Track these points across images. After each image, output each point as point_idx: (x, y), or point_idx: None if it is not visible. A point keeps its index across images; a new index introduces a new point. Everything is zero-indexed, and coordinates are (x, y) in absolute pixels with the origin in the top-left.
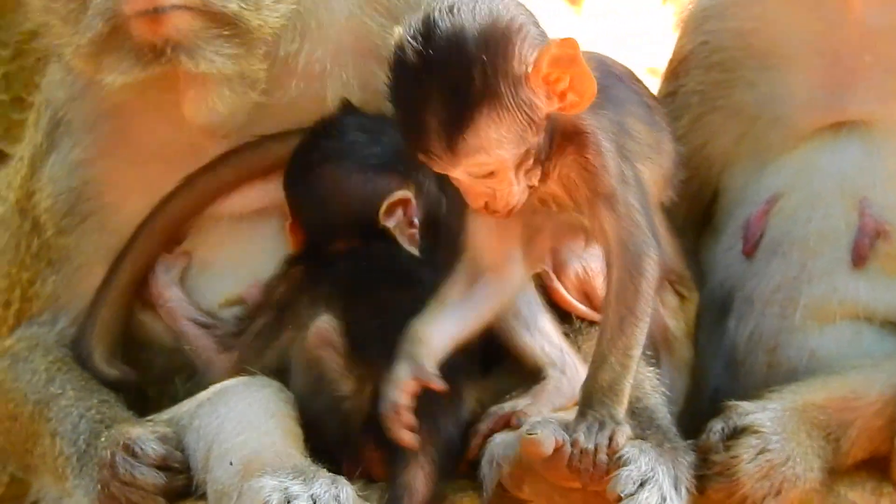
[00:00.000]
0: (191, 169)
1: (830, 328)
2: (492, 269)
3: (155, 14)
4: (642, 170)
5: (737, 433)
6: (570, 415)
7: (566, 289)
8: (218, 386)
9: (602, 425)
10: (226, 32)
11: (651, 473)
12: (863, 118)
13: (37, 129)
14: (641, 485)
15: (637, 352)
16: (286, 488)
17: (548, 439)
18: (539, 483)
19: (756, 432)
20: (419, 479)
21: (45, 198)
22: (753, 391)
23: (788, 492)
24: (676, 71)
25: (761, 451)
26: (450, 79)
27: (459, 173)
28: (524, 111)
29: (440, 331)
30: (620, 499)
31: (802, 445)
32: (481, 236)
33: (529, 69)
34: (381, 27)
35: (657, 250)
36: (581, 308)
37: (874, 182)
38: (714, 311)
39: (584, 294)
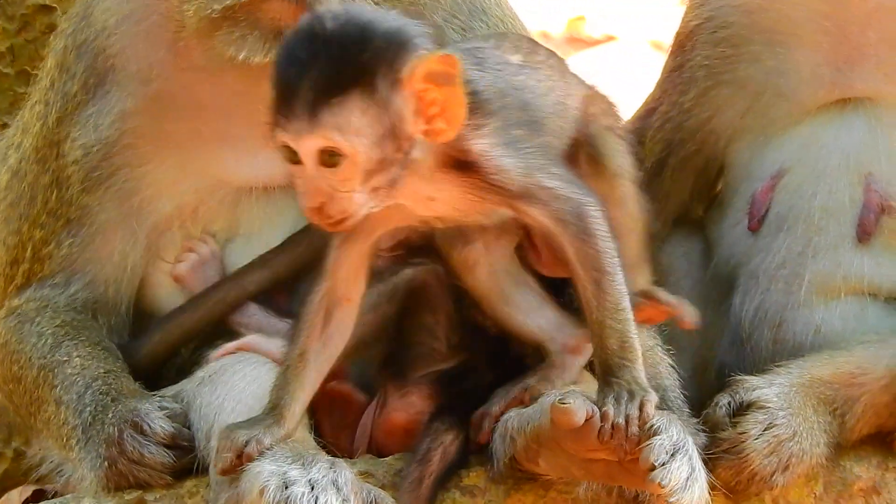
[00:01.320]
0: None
1: (836, 304)
2: (347, 299)
3: (301, 1)
4: (552, 128)
5: (743, 408)
6: (586, 389)
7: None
8: (217, 364)
9: (631, 395)
10: None
11: (681, 443)
12: (868, 94)
13: (67, 76)
14: (672, 455)
15: (626, 301)
16: (284, 473)
17: (580, 409)
18: (557, 456)
19: (762, 408)
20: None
21: (76, 148)
22: (759, 367)
23: (796, 467)
24: (683, 45)
25: (768, 427)
26: (337, 52)
27: (307, 150)
28: (391, 117)
29: (305, 395)
30: (653, 468)
31: (809, 421)
32: (341, 264)
33: (404, 74)
34: None
35: (591, 197)
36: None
37: (879, 158)
38: (720, 287)
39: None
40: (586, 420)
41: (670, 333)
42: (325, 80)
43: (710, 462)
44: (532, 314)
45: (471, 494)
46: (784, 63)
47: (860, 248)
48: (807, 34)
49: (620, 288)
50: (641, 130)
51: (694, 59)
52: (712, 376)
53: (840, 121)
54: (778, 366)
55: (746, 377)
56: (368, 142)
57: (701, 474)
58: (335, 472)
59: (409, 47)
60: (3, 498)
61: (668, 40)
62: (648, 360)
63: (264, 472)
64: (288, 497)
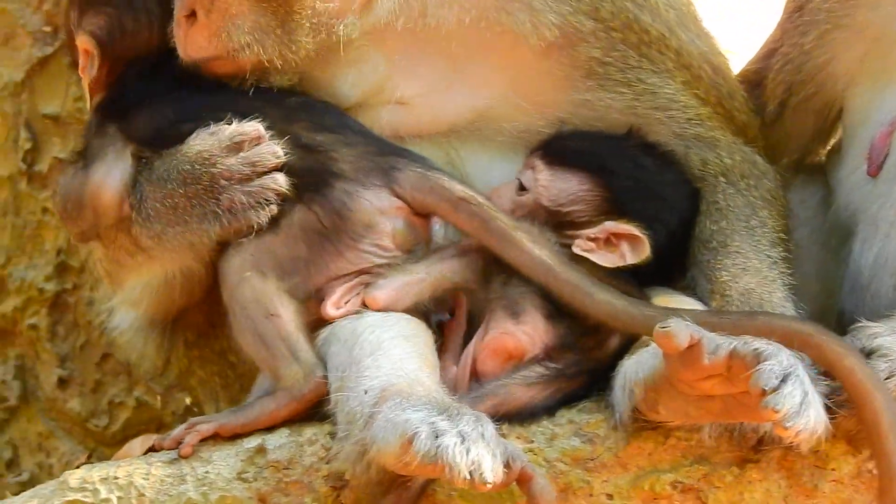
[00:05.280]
0: None
1: None
2: None
3: None
4: None
5: (864, 355)
6: None
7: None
8: (347, 320)
9: None
10: None
11: (791, 368)
12: None
13: None
14: (783, 380)
15: None
16: (433, 423)
17: (682, 330)
18: (674, 399)
19: (884, 355)
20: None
21: None
22: (879, 314)
23: None
24: None
25: (890, 376)
26: None
27: None
28: None
29: None
30: (764, 393)
31: None
32: None
33: None
34: None
35: None
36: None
37: None
38: (839, 234)
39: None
40: (692, 345)
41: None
42: None
43: (830, 410)
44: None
45: (590, 442)
46: None
47: None
48: None
49: None
50: (762, 71)
51: (814, 0)
52: (832, 323)
53: None
54: None
55: (868, 323)
56: None
57: (815, 398)
58: (482, 425)
59: None
60: (125, 446)
61: None
62: (766, 289)
63: (413, 420)
64: (439, 447)
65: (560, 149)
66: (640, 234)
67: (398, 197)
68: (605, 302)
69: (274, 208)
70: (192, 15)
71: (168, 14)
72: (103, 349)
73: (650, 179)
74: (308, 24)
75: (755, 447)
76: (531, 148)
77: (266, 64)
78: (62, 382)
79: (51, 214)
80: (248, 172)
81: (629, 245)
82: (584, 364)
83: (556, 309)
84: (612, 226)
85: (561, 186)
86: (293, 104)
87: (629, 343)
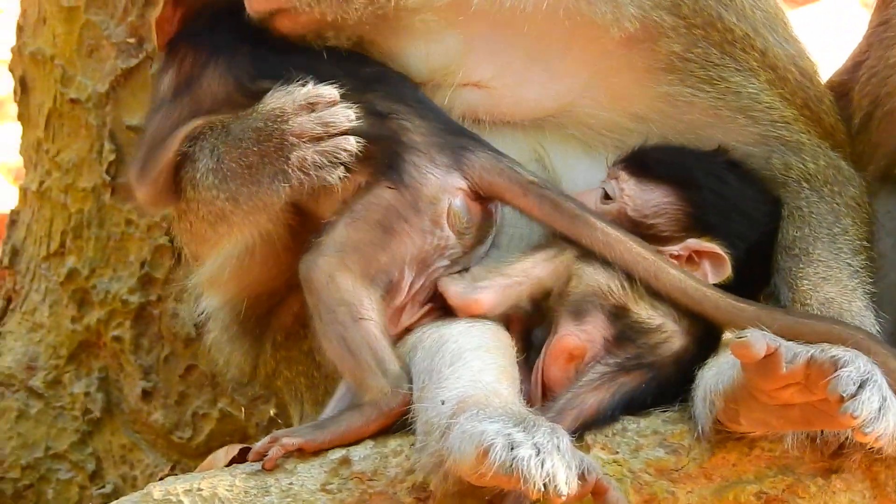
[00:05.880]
0: None
1: None
2: None
3: None
4: None
5: None
6: None
7: None
8: (431, 329)
9: None
10: None
11: (869, 374)
12: None
13: None
14: (861, 385)
15: None
16: (509, 434)
17: (758, 340)
18: (754, 410)
19: None
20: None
21: None
22: None
23: None
24: (888, 1)
25: None
26: None
27: None
28: None
29: None
30: (842, 400)
31: None
32: None
33: None
34: None
35: None
36: None
37: None
38: None
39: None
40: (770, 354)
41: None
42: None
43: None
44: None
45: (675, 453)
46: None
47: None
48: None
49: None
50: (848, 83)
51: None
52: None
53: None
54: None
55: None
56: None
57: (893, 403)
58: (557, 436)
59: None
60: (209, 458)
61: None
62: (846, 298)
63: (489, 431)
64: (514, 459)
65: (645, 160)
66: (723, 253)
67: (465, 177)
68: (679, 279)
69: (345, 172)
70: None
71: None
72: (187, 361)
73: (734, 196)
74: None
75: (838, 452)
76: (615, 159)
77: (324, 22)
78: (146, 394)
79: (135, 226)
80: (319, 132)
81: (711, 264)
82: (644, 357)
83: (620, 308)
84: (694, 243)
85: (646, 197)
86: (370, 73)
87: (695, 345)
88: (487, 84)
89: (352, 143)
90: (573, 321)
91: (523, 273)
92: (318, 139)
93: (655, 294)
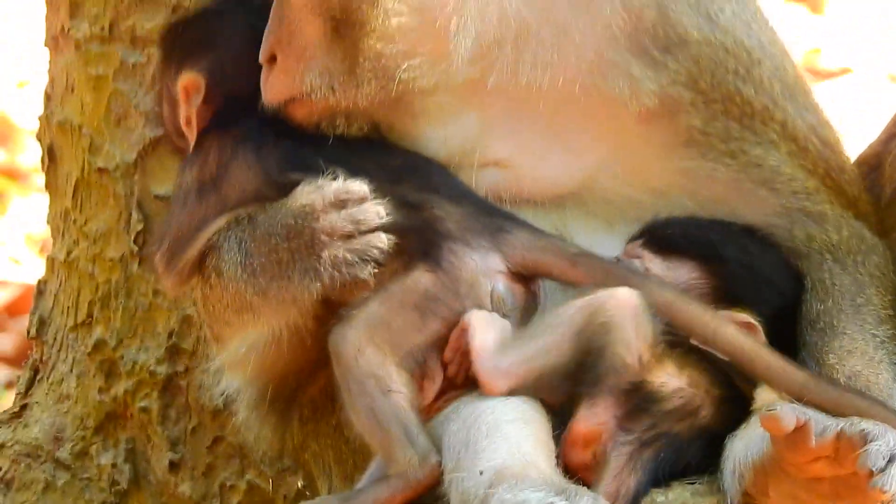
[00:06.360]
0: None
1: None
2: None
3: None
4: None
5: None
6: None
7: None
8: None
9: None
10: None
11: None
12: None
13: None
14: (890, 460)
15: None
16: (552, 503)
17: (788, 413)
18: (783, 483)
19: None
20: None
21: None
22: None
23: None
24: None
25: None
26: None
27: None
28: None
29: None
30: (872, 475)
31: None
32: None
33: None
34: None
35: None
36: None
37: None
38: None
39: None
40: (799, 427)
41: None
42: None
43: None
44: None
45: None
46: None
47: None
48: None
49: None
50: (881, 155)
51: None
52: None
53: None
54: None
55: None
56: None
57: None
58: None
59: None
60: None
61: None
62: (873, 371)
63: (531, 500)
64: None
65: (665, 237)
66: (755, 322)
67: (505, 259)
68: (736, 337)
69: (377, 267)
70: (273, 59)
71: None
72: (215, 432)
73: (757, 264)
74: (371, 68)
75: None
76: (631, 236)
77: (338, 108)
78: (173, 466)
79: (162, 297)
80: (350, 230)
81: None
82: (658, 426)
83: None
84: (726, 315)
85: (673, 275)
86: (399, 162)
87: (717, 409)
88: (507, 163)
89: (383, 240)
90: (586, 403)
91: (546, 352)
92: (349, 237)
93: (684, 356)
